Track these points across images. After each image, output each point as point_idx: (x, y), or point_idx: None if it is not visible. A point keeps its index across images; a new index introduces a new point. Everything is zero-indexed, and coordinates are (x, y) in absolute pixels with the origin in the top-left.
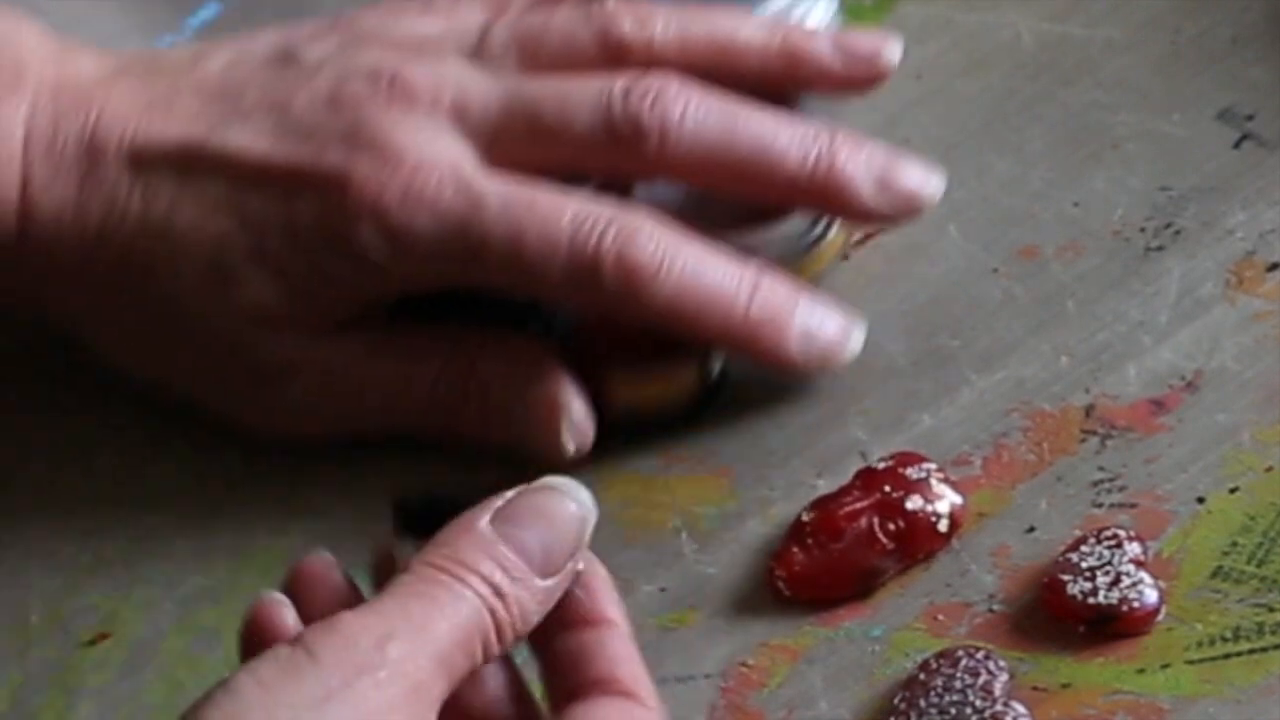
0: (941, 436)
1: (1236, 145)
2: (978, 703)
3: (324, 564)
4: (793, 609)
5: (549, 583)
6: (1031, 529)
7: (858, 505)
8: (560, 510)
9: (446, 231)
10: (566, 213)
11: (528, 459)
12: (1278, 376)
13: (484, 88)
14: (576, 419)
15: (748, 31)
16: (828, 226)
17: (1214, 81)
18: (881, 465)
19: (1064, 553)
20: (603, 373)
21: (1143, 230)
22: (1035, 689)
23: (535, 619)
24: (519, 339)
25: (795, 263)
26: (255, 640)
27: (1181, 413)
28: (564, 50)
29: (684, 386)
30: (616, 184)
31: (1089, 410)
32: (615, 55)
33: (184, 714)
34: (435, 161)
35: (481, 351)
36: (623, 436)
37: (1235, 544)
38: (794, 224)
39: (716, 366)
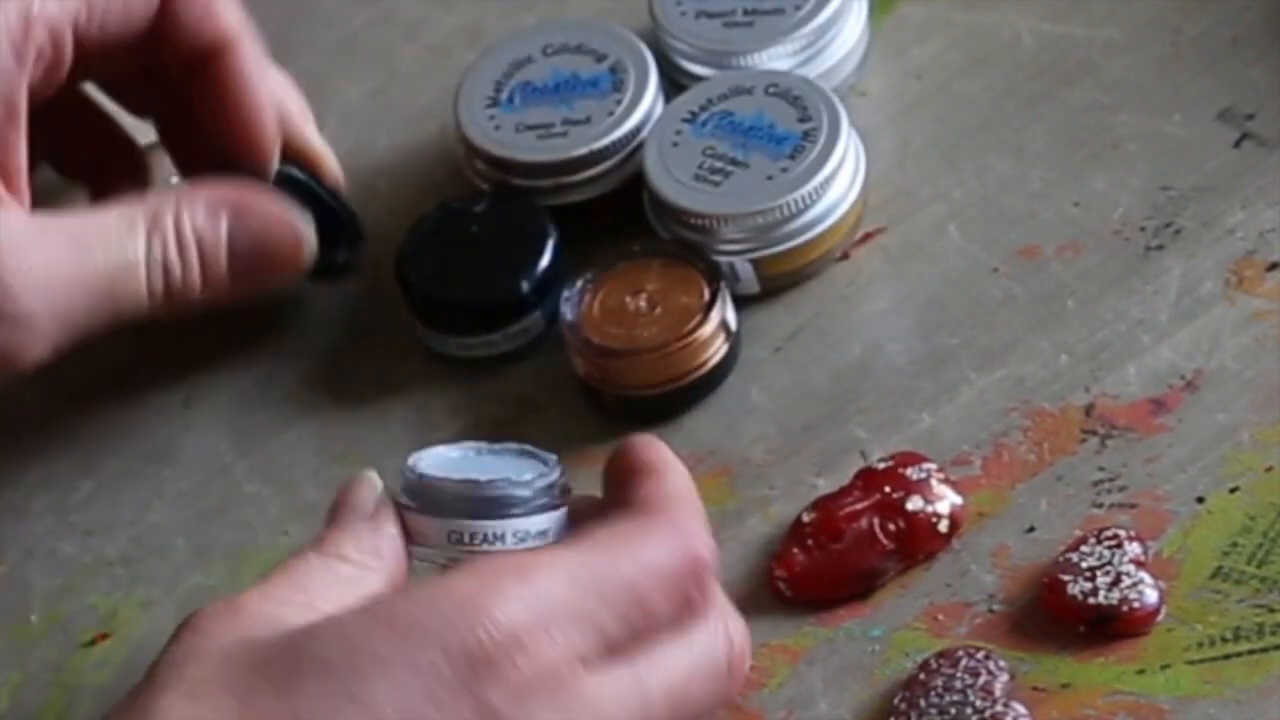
0: (941, 436)
1: (1236, 145)
2: (978, 703)
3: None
4: (793, 609)
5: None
6: (1031, 529)
7: (858, 506)
8: None
9: None
10: None
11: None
12: (1278, 376)
13: None
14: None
15: None
16: None
17: (1214, 81)
18: (882, 465)
19: (1064, 553)
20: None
21: (1143, 230)
22: (1035, 689)
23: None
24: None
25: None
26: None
27: (1181, 412)
28: None
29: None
30: None
31: (1089, 410)
32: None
33: None
34: None
35: (183, 204)
36: (624, 431)
37: (1235, 544)
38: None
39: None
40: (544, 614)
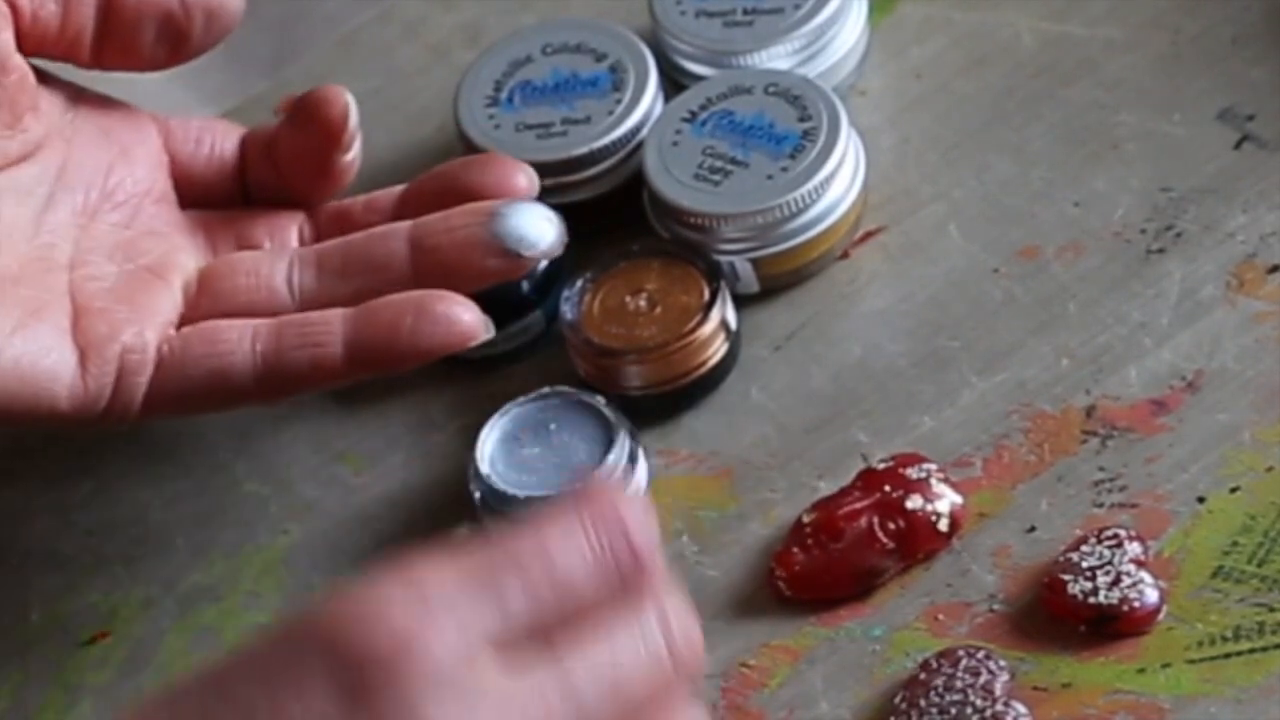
0: (942, 438)
1: (1237, 146)
2: (978, 702)
3: None
4: (793, 609)
5: None
6: (1032, 529)
7: (858, 505)
8: None
9: None
10: None
11: None
12: (1278, 377)
13: None
14: None
15: None
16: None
17: (1214, 81)
18: (882, 465)
19: (1064, 552)
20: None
21: (1143, 232)
22: (1036, 689)
23: None
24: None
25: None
26: None
27: (1182, 413)
28: None
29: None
30: None
31: (1090, 411)
32: None
33: None
34: None
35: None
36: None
37: (1236, 544)
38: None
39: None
40: (429, 611)
